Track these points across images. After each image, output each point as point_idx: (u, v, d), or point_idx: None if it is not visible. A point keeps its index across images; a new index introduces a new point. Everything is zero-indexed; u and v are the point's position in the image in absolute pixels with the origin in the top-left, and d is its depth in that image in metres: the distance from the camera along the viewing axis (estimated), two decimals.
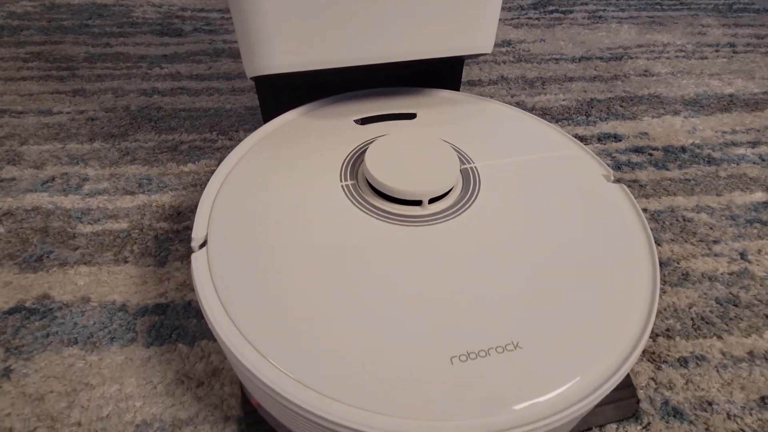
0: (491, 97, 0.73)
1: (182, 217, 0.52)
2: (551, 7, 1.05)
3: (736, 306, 0.44)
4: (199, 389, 0.37)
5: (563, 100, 0.74)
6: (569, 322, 0.30)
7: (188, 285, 0.45)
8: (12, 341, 0.40)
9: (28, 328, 0.41)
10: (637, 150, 0.63)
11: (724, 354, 0.41)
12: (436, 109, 0.48)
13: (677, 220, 0.53)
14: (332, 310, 0.30)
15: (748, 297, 0.45)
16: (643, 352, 0.41)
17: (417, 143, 0.41)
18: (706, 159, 0.62)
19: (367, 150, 0.39)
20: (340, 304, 0.31)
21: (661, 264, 0.48)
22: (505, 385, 0.27)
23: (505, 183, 0.40)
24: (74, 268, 0.46)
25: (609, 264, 0.34)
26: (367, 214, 0.37)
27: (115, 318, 0.42)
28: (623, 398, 0.37)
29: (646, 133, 0.67)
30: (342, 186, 0.39)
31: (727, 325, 0.43)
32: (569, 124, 0.68)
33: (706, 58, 0.87)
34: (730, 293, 0.45)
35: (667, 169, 0.60)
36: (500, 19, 0.99)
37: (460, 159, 0.41)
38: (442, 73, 0.53)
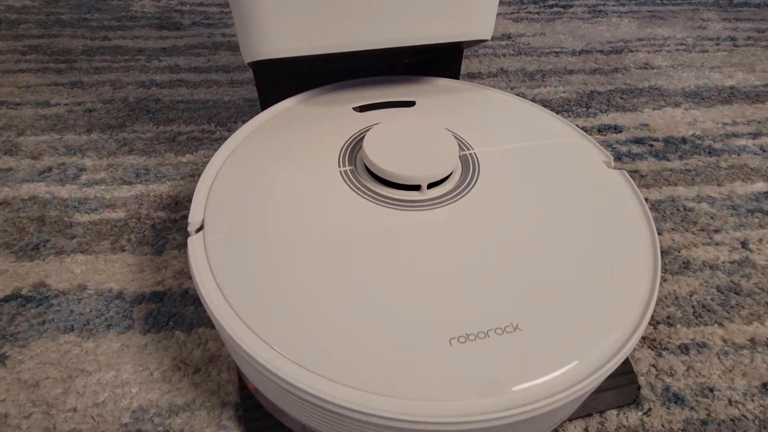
0: None
1: (180, 206, 0.52)
2: (551, 2, 1.05)
3: (737, 294, 0.44)
4: (196, 376, 0.37)
5: (563, 92, 0.73)
6: (569, 305, 0.30)
7: (186, 273, 0.45)
8: (7, 328, 0.40)
9: (24, 315, 0.41)
10: (638, 141, 0.63)
11: (725, 341, 0.40)
12: (435, 97, 0.48)
13: (678, 210, 0.53)
14: (330, 292, 0.30)
15: (750, 285, 0.45)
16: (644, 339, 0.40)
17: (416, 129, 0.40)
18: (707, 150, 0.62)
19: (366, 135, 0.39)
20: (338, 287, 0.30)
21: (661, 253, 0.48)
22: (504, 367, 0.27)
23: (504, 169, 0.39)
24: (71, 256, 0.46)
25: (609, 248, 0.34)
26: (365, 199, 0.36)
27: (112, 305, 0.42)
28: (624, 385, 0.37)
29: (646, 125, 0.66)
30: (340, 171, 0.39)
31: (728, 312, 0.42)
32: (569, 116, 0.67)
33: (707, 51, 0.87)
34: (732, 281, 0.45)
35: (668, 160, 0.60)
36: (500, 13, 0.99)
37: (459, 145, 0.41)
38: (442, 63, 0.53)
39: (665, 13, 1.00)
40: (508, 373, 0.27)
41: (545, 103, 0.70)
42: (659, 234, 0.50)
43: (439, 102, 0.47)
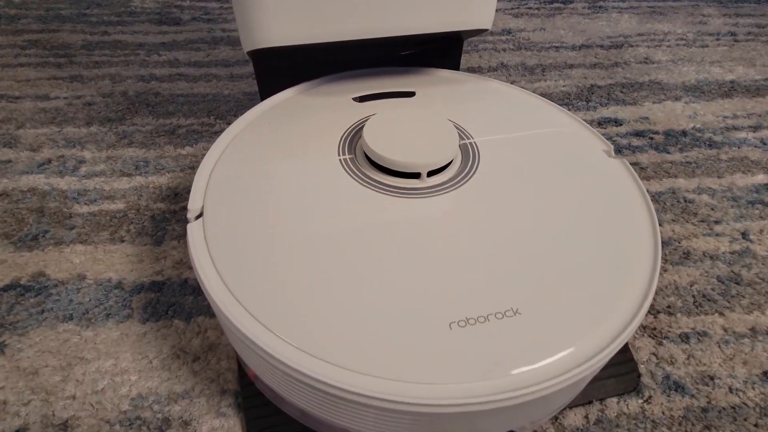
0: None
1: (179, 198, 0.52)
2: None
3: (737, 284, 0.44)
4: (195, 364, 0.37)
5: (563, 86, 0.73)
6: (569, 290, 0.30)
7: (185, 263, 0.45)
8: (6, 317, 0.40)
9: (23, 304, 0.41)
10: (638, 134, 0.63)
11: (725, 330, 0.40)
12: (435, 88, 0.48)
13: (678, 201, 0.53)
14: (329, 277, 0.30)
15: (750, 275, 0.45)
16: (644, 328, 0.40)
17: (416, 118, 0.40)
18: (707, 142, 0.62)
19: (366, 123, 0.39)
20: (337, 272, 0.30)
21: (662, 243, 0.47)
22: (503, 350, 0.27)
23: (504, 157, 0.39)
24: (70, 246, 0.46)
25: (610, 235, 0.33)
26: (364, 186, 0.36)
27: (111, 295, 0.42)
28: (624, 373, 0.37)
29: (646, 118, 0.66)
30: (340, 160, 0.38)
31: (728, 302, 0.42)
32: (570, 109, 0.67)
33: (707, 46, 0.87)
34: (732, 271, 0.45)
35: (668, 152, 0.60)
36: (500, 9, 0.99)
37: (459, 135, 0.41)
38: (441, 54, 0.53)
39: (665, 8, 1.00)
40: (508, 356, 0.27)
41: (545, 97, 0.70)
42: (660, 225, 0.50)
43: (439, 92, 0.47)
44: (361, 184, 0.36)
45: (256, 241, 0.32)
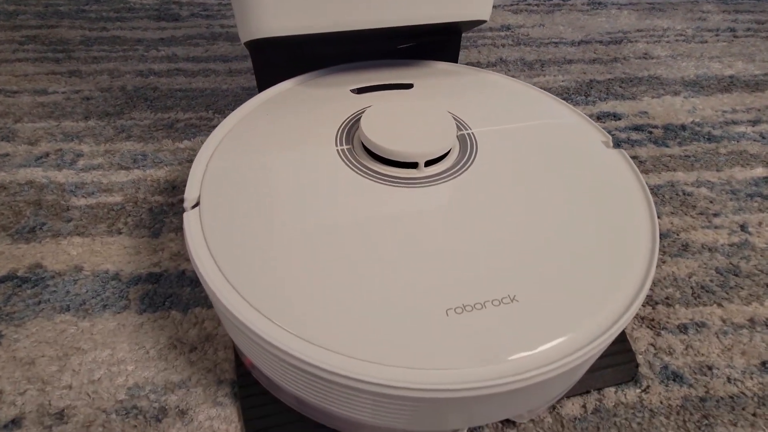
0: None
1: (177, 191, 0.52)
2: None
3: (736, 275, 0.44)
4: (192, 354, 0.37)
5: (562, 81, 0.73)
6: (567, 278, 0.30)
7: (182, 255, 0.44)
8: (3, 308, 0.39)
9: (20, 295, 0.40)
10: (637, 128, 0.63)
11: (724, 321, 0.40)
12: (433, 80, 0.48)
13: (677, 194, 0.53)
14: (326, 264, 0.30)
15: (749, 267, 0.45)
16: (642, 319, 0.40)
17: (413, 109, 0.40)
18: (706, 136, 0.62)
19: (364, 114, 0.39)
20: (334, 259, 0.30)
21: (660, 236, 0.47)
22: (500, 336, 0.27)
23: (503, 148, 0.39)
24: (67, 239, 0.46)
25: (608, 224, 0.33)
26: (362, 176, 0.36)
27: (108, 286, 0.42)
28: (622, 363, 0.37)
29: (645, 112, 0.66)
30: (337, 150, 0.38)
31: (727, 293, 0.42)
32: (568, 103, 0.67)
33: (706, 42, 0.87)
34: (731, 263, 0.45)
35: (667, 146, 0.60)
36: (499, 5, 0.99)
37: (457, 125, 0.41)
38: (440, 47, 0.53)
39: (664, 5, 1.00)
40: (505, 342, 0.26)
41: None
42: (658, 218, 0.49)
43: (437, 84, 0.47)
44: (358, 174, 0.36)
45: (253, 229, 0.32)
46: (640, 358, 0.37)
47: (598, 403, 0.34)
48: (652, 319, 0.40)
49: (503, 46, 0.83)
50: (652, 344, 0.38)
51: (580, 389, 0.35)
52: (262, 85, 0.48)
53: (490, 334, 0.27)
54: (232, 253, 0.30)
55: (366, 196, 0.34)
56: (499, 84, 0.48)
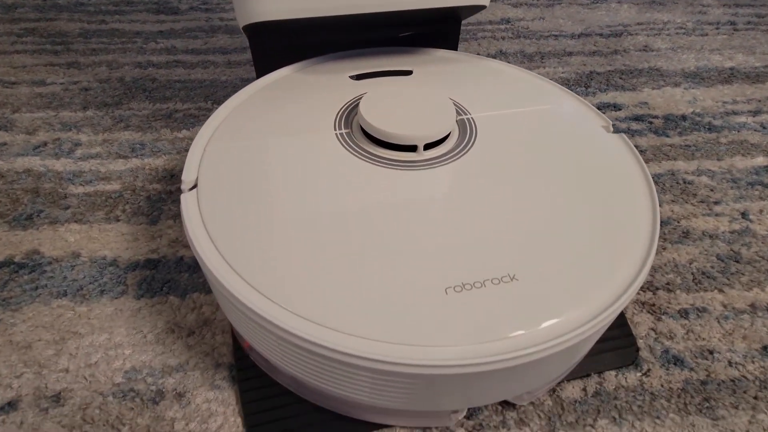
0: None
1: (176, 179, 0.51)
2: None
3: (737, 262, 0.44)
4: (190, 338, 0.37)
5: (562, 73, 0.73)
6: (567, 257, 0.30)
7: (181, 241, 0.44)
8: (0, 293, 0.39)
9: (17, 281, 0.40)
10: (637, 118, 0.63)
11: (725, 306, 0.40)
12: (432, 67, 0.48)
13: (677, 183, 0.52)
14: (324, 244, 0.30)
15: (750, 253, 0.44)
16: (643, 304, 0.40)
17: (413, 93, 0.40)
18: (707, 126, 0.61)
19: (363, 97, 0.38)
20: (333, 239, 0.30)
21: (661, 223, 0.47)
22: (499, 314, 0.26)
23: (502, 132, 0.39)
24: (65, 225, 0.45)
25: (608, 205, 0.33)
26: (361, 159, 0.36)
27: (106, 272, 0.41)
28: (622, 347, 0.36)
29: (645, 103, 0.66)
30: (336, 134, 0.38)
31: (728, 279, 0.42)
32: None
33: (707, 35, 0.86)
34: (732, 250, 0.45)
35: (668, 136, 0.60)
36: None
37: (457, 111, 0.40)
38: (439, 36, 0.53)
39: None
40: (503, 319, 0.26)
41: None
42: (659, 206, 0.49)
43: (436, 71, 0.47)
44: (357, 157, 0.36)
45: (251, 210, 0.31)
46: (640, 343, 0.37)
47: (598, 386, 0.34)
48: (653, 305, 0.40)
49: (503, 38, 0.83)
50: (652, 329, 0.38)
51: (581, 373, 0.34)
52: (261, 72, 0.48)
53: (489, 312, 0.26)
54: (229, 233, 0.30)
55: (365, 178, 0.34)
56: (499, 70, 0.48)
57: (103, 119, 0.60)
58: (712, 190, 0.51)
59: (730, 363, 0.36)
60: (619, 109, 0.64)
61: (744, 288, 0.41)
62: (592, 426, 0.32)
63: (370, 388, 0.27)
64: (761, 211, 0.49)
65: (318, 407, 0.32)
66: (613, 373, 0.35)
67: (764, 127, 0.61)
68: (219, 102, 0.64)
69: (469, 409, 0.32)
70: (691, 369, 0.35)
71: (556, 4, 0.97)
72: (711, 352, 0.36)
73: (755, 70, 0.75)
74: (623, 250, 0.30)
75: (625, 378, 0.35)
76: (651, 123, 0.62)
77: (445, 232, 0.31)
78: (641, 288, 0.41)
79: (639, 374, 0.35)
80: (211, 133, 0.38)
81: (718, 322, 0.39)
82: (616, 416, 0.33)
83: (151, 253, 0.43)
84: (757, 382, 0.35)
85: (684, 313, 0.39)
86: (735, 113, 0.64)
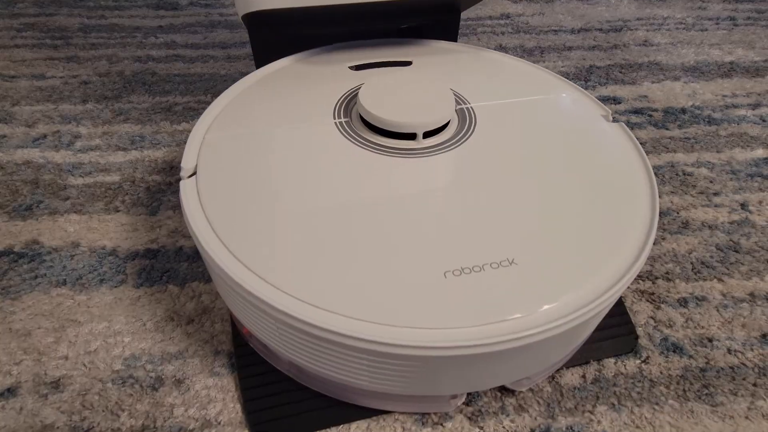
0: None
1: (175, 171, 0.51)
2: None
3: (736, 252, 0.44)
4: (189, 326, 0.37)
5: (562, 67, 0.73)
6: (566, 242, 0.30)
7: (180, 232, 0.44)
8: None
9: (16, 270, 0.40)
10: (637, 111, 0.63)
11: (724, 295, 0.40)
12: (432, 57, 0.48)
13: (677, 175, 0.52)
14: (324, 229, 0.30)
15: (749, 243, 0.44)
16: (642, 293, 0.40)
17: (412, 82, 0.40)
18: (707, 119, 0.61)
19: (362, 86, 0.38)
20: (332, 223, 0.30)
21: (660, 214, 0.47)
22: (498, 297, 0.26)
23: (501, 121, 0.39)
24: (64, 216, 0.45)
25: (607, 192, 0.33)
26: (360, 147, 0.36)
27: (105, 262, 0.41)
28: (621, 335, 0.36)
29: (645, 96, 0.66)
30: (335, 123, 0.38)
31: (727, 269, 0.42)
32: None
33: (706, 30, 0.86)
34: (731, 240, 0.45)
35: (667, 129, 0.60)
36: None
37: (456, 100, 0.40)
38: (439, 28, 0.53)
39: None
40: (502, 303, 0.26)
41: None
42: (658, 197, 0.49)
43: (436, 61, 0.47)
44: (356, 145, 0.36)
45: (250, 196, 0.31)
46: (639, 331, 0.37)
47: (597, 373, 0.34)
48: (652, 293, 0.40)
49: (503, 33, 0.83)
50: (651, 317, 0.38)
51: (580, 360, 0.34)
52: (260, 64, 0.48)
53: (487, 295, 0.26)
54: (228, 218, 0.30)
55: (364, 165, 0.34)
56: (498, 61, 0.48)
57: (102, 112, 0.60)
58: (711, 182, 0.51)
59: (729, 351, 0.36)
60: (619, 103, 0.64)
61: (743, 277, 0.41)
62: (591, 412, 0.32)
63: (369, 371, 0.27)
64: (761, 203, 0.49)
65: (317, 393, 0.32)
66: (612, 360, 0.35)
67: (764, 120, 0.61)
68: (218, 95, 0.63)
69: (468, 395, 0.32)
70: (691, 356, 0.35)
71: (555, 0, 0.97)
72: (710, 340, 0.36)
73: (755, 64, 0.75)
74: (622, 236, 0.30)
75: (625, 365, 0.35)
76: (651, 116, 0.62)
77: (443, 217, 0.31)
78: (641, 277, 0.41)
79: (638, 361, 0.35)
80: (211, 121, 0.38)
81: (718, 310, 0.39)
82: (615, 402, 0.33)
83: (151, 243, 0.43)
84: (756, 369, 0.35)
85: (683, 302, 0.39)
86: (735, 106, 0.64)
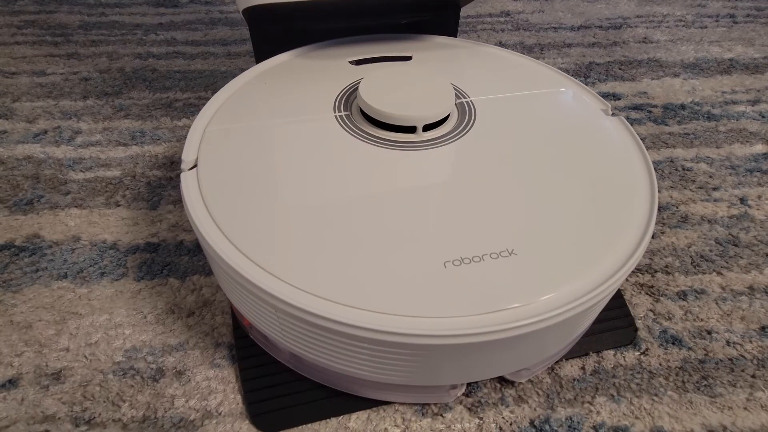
0: None
1: (176, 166, 0.52)
2: None
3: (735, 246, 0.44)
4: (190, 319, 0.37)
5: (561, 64, 0.73)
6: (565, 233, 0.30)
7: (181, 226, 0.44)
8: (0, 276, 0.39)
9: (17, 264, 0.40)
10: (636, 107, 0.63)
11: (723, 288, 0.40)
12: (432, 52, 0.48)
13: (676, 170, 0.53)
14: (324, 220, 0.30)
15: (748, 237, 0.44)
16: (641, 286, 0.40)
17: (412, 76, 0.40)
18: (706, 115, 0.62)
19: (362, 80, 0.39)
20: (332, 214, 0.30)
21: (660, 208, 0.47)
22: (497, 286, 0.27)
23: (501, 115, 0.39)
24: (65, 210, 0.46)
25: (606, 184, 0.33)
26: (360, 140, 0.36)
27: (106, 255, 0.41)
28: (621, 327, 0.36)
29: (645, 93, 0.66)
30: (335, 116, 0.38)
31: (726, 262, 0.42)
32: None
33: (706, 27, 0.86)
34: (730, 234, 0.45)
35: (666, 125, 0.60)
36: None
37: (456, 95, 0.41)
38: (438, 22, 0.53)
39: None
40: (501, 292, 0.26)
41: None
42: (658, 192, 0.49)
43: (435, 56, 0.47)
44: (356, 138, 0.36)
45: (251, 188, 0.32)
46: (639, 323, 0.37)
47: (596, 364, 0.34)
48: (651, 286, 0.40)
49: (502, 31, 0.83)
50: (651, 310, 0.38)
51: (579, 352, 0.35)
52: (261, 59, 0.48)
53: (487, 285, 0.26)
54: (229, 209, 0.30)
55: (364, 157, 0.34)
56: (498, 56, 0.48)
57: (103, 108, 0.60)
58: (710, 177, 0.52)
59: (728, 343, 0.36)
60: (618, 99, 0.65)
61: (742, 271, 0.41)
62: (591, 403, 0.32)
63: (368, 361, 0.27)
64: (760, 197, 0.49)
65: (317, 384, 0.32)
66: (611, 352, 0.35)
67: (763, 116, 0.61)
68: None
69: (467, 387, 0.32)
70: (690, 348, 0.36)
71: None
72: (709, 332, 0.37)
73: (754, 61, 0.75)
74: (621, 227, 0.30)
75: (624, 357, 0.35)
76: (650, 112, 0.62)
77: (443, 209, 0.31)
78: (640, 271, 0.41)
79: (637, 353, 0.35)
80: (211, 115, 0.38)
81: (717, 303, 0.39)
82: (615, 394, 0.33)
83: (151, 237, 0.43)
84: (755, 361, 0.35)
85: (682, 295, 0.39)
86: (734, 102, 0.64)
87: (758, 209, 0.47)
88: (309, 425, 0.31)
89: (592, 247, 0.29)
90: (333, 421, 0.31)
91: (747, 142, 0.57)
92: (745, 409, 0.32)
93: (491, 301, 0.26)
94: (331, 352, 0.28)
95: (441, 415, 0.31)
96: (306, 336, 0.27)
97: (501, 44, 0.79)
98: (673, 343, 0.36)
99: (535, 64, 0.46)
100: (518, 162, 0.34)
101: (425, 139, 0.36)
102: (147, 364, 0.34)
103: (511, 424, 0.31)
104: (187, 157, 0.34)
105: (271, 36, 0.47)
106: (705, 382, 0.33)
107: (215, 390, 0.32)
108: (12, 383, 0.32)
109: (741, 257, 0.42)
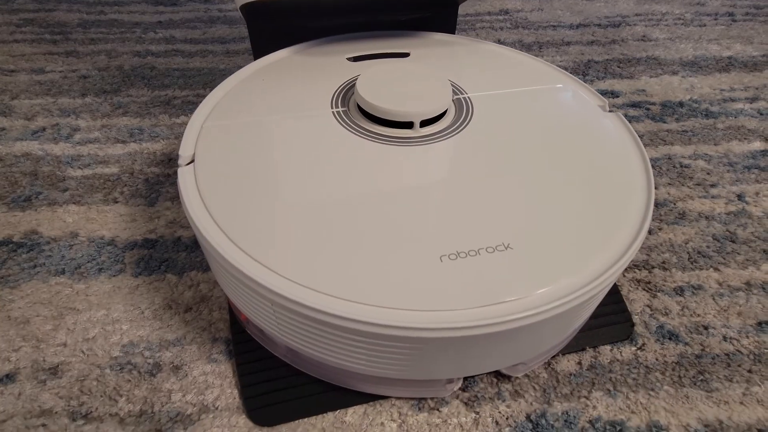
0: None
1: (174, 163, 0.52)
2: None
3: (733, 242, 0.44)
4: (187, 314, 0.37)
5: (560, 62, 0.73)
6: (561, 227, 0.30)
7: (178, 222, 0.44)
8: None
9: (15, 259, 0.40)
10: (635, 105, 0.63)
11: (720, 284, 0.40)
12: (430, 49, 0.48)
13: (674, 167, 0.53)
14: (321, 214, 0.30)
15: (746, 234, 0.44)
16: (638, 281, 0.40)
17: (409, 72, 0.40)
18: (704, 113, 0.62)
19: (360, 76, 0.39)
20: (329, 209, 0.30)
21: (657, 205, 0.47)
22: (493, 280, 0.27)
23: (498, 111, 0.39)
24: (63, 207, 0.46)
25: (603, 179, 0.33)
26: (357, 135, 0.36)
27: (104, 251, 0.41)
28: (617, 322, 0.36)
29: (643, 90, 0.66)
30: (333, 112, 0.38)
31: (723, 258, 0.42)
32: None
33: (705, 25, 0.86)
34: (727, 230, 0.45)
35: (665, 122, 0.60)
36: None
37: (453, 90, 0.41)
38: (436, 19, 0.53)
39: None
40: (497, 286, 0.26)
41: None
42: (655, 188, 0.49)
43: (433, 53, 0.47)
44: (353, 133, 0.36)
45: (248, 182, 0.32)
46: (635, 319, 0.37)
47: (593, 359, 0.34)
48: (648, 282, 0.40)
49: (501, 29, 0.83)
50: (648, 305, 0.38)
51: (576, 347, 0.35)
52: (258, 56, 0.48)
53: (483, 279, 0.27)
54: (226, 204, 0.30)
55: (361, 153, 0.34)
56: (495, 52, 0.48)
57: (101, 105, 0.60)
58: (708, 174, 0.52)
59: (724, 338, 0.36)
60: (617, 96, 0.65)
61: (739, 267, 0.41)
62: (587, 398, 0.32)
63: (365, 355, 0.27)
64: (757, 194, 0.49)
65: (314, 379, 0.32)
66: (608, 347, 0.35)
67: (761, 114, 0.61)
68: None
69: (464, 381, 0.32)
70: (686, 344, 0.36)
71: None
72: (706, 328, 0.37)
73: (753, 59, 0.75)
74: (617, 221, 0.30)
75: (620, 352, 0.35)
76: (648, 109, 0.62)
77: (440, 203, 0.31)
78: (637, 266, 0.41)
79: (634, 348, 0.35)
80: (209, 110, 0.38)
81: (713, 299, 0.39)
82: (611, 388, 0.33)
83: (149, 233, 0.43)
84: (752, 356, 0.35)
85: (679, 291, 0.39)
86: (732, 100, 0.64)
87: (756, 206, 0.48)
88: (305, 419, 0.31)
89: (588, 241, 0.29)
90: (329, 416, 0.31)
91: (745, 139, 0.57)
92: (741, 403, 0.32)
93: (487, 294, 0.26)
94: (327, 346, 0.28)
95: (437, 410, 0.31)
96: (302, 330, 0.27)
97: (500, 42, 0.79)
98: (670, 339, 0.36)
99: (532, 60, 0.46)
100: (515, 157, 0.35)
101: (422, 135, 0.36)
102: (144, 359, 0.34)
103: (507, 419, 0.31)
104: (185, 152, 0.34)
105: (268, 32, 0.47)
106: (701, 377, 0.33)
107: (212, 385, 0.32)
108: (9, 378, 0.32)
109: (738, 253, 0.42)
